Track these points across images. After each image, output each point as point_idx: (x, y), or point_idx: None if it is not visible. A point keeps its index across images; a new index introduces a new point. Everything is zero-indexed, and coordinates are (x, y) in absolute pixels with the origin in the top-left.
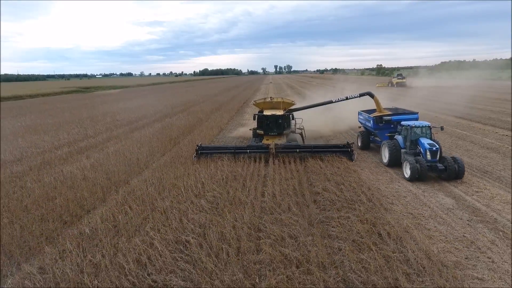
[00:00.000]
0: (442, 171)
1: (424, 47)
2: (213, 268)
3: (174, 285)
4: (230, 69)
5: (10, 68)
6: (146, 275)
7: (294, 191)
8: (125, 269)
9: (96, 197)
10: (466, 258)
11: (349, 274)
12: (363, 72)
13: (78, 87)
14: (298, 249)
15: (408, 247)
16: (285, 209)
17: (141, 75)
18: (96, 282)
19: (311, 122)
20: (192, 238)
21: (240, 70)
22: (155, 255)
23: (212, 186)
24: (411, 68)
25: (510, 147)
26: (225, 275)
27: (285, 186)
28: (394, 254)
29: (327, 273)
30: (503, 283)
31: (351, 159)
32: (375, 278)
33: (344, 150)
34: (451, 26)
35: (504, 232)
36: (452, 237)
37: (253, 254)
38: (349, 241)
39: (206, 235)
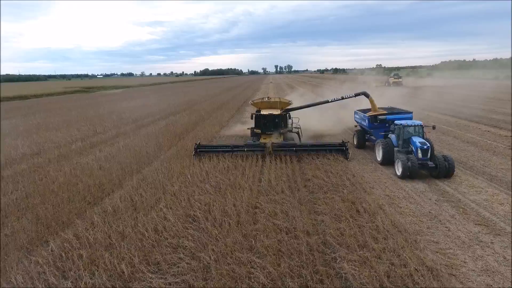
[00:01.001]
0: (433, 169)
1: (425, 46)
2: (217, 234)
3: (186, 245)
4: (231, 69)
5: (11, 69)
6: (163, 239)
7: (288, 178)
8: (145, 235)
9: (113, 183)
10: (427, 228)
11: (328, 238)
12: (363, 71)
13: (81, 87)
14: (288, 221)
15: (380, 219)
16: (278, 191)
17: (142, 75)
18: (123, 243)
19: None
20: (199, 213)
21: (241, 70)
22: (169, 225)
23: (215, 174)
24: (413, 67)
25: (489, 141)
26: (228, 239)
27: (279, 174)
28: (367, 224)
29: (310, 238)
30: (453, 244)
31: (346, 158)
32: (349, 240)
33: (339, 149)
34: (452, 26)
35: (463, 208)
36: (419, 213)
37: (250, 225)
38: (331, 215)
39: (210, 211)
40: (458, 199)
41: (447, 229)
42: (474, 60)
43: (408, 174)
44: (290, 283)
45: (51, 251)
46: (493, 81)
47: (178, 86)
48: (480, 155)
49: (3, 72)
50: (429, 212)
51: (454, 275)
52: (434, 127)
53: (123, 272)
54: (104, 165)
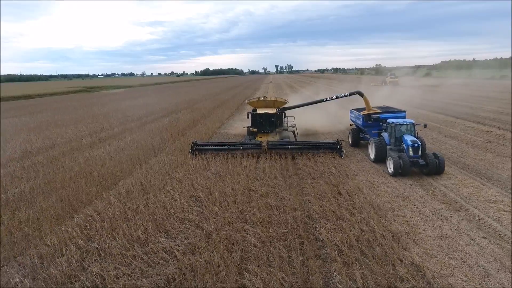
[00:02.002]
0: (424, 166)
1: (425, 46)
2: (217, 211)
3: (190, 218)
4: (231, 69)
5: (12, 68)
6: (171, 213)
7: (281, 167)
8: (155, 211)
9: (124, 171)
10: (398, 206)
11: (311, 212)
12: (362, 71)
13: (83, 87)
14: (278, 200)
15: (357, 198)
16: (272, 178)
17: (143, 75)
18: (137, 217)
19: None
20: (202, 194)
21: (241, 70)
22: (175, 204)
23: (215, 163)
24: (414, 67)
25: (469, 136)
26: (226, 214)
27: (273, 164)
28: (346, 202)
29: (296, 212)
30: (418, 218)
31: (340, 156)
32: (328, 214)
33: (333, 147)
34: (451, 25)
35: (433, 191)
36: (393, 195)
37: (246, 203)
38: (316, 195)
39: (211, 193)
40: (430, 183)
41: (415, 206)
42: (474, 59)
43: (400, 172)
44: (276, 244)
45: (77, 223)
46: (490, 80)
47: (179, 85)
48: (458, 148)
49: (4, 72)
50: (402, 193)
51: (413, 239)
52: (425, 126)
53: (139, 237)
54: (114, 156)
